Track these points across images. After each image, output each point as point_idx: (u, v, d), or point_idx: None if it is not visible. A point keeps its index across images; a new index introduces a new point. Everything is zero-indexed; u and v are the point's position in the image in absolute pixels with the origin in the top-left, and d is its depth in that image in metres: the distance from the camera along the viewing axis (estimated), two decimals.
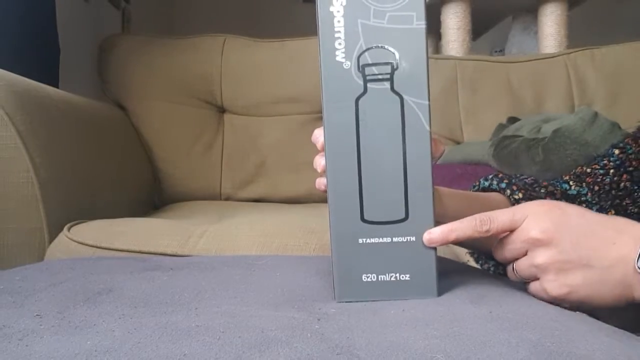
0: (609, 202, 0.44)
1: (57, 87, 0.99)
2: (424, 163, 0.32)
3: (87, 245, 0.66)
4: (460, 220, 0.33)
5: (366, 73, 0.32)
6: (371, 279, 0.33)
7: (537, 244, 0.32)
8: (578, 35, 1.56)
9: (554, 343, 0.26)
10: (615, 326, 0.31)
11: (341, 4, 0.32)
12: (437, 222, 0.33)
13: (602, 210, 0.44)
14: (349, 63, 0.32)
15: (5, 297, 0.33)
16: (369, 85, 0.32)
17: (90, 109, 0.95)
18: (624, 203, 0.43)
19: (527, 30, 1.66)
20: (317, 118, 1.25)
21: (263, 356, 0.24)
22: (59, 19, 1.03)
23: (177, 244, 0.66)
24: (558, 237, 0.32)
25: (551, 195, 0.44)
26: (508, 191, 0.43)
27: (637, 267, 0.30)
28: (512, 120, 1.13)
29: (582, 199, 0.45)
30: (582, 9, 1.70)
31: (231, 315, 0.30)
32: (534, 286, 0.34)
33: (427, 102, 0.32)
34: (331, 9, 0.32)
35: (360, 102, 0.32)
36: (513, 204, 0.41)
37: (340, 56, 0.32)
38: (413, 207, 0.32)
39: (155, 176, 1.18)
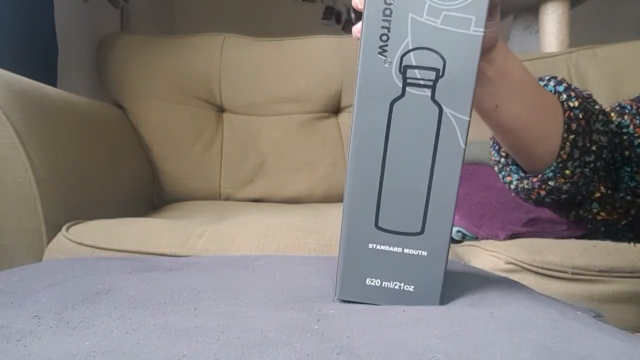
0: None
1: (55, 86, 0.98)
2: (451, 181, 0.30)
3: (85, 245, 0.65)
4: None
5: (407, 75, 0.29)
6: (375, 283, 0.32)
7: None
8: (580, 34, 1.56)
9: (555, 343, 0.25)
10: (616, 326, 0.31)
11: None
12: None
13: None
14: (390, 61, 0.29)
15: (3, 298, 0.32)
16: (408, 89, 0.29)
17: (89, 108, 0.95)
18: None
19: (529, 29, 1.66)
20: (317, 117, 1.24)
21: (263, 357, 0.24)
22: (57, 17, 1.02)
23: (176, 244, 0.66)
24: None
25: (603, 113, 0.42)
26: (564, 95, 0.40)
27: None
28: None
29: (624, 130, 0.42)
30: (583, 7, 1.70)
31: (230, 315, 0.30)
32: None
33: (467, 118, 0.29)
34: None
35: (395, 105, 0.30)
36: (566, 111, 0.39)
37: (382, 52, 0.29)
38: (431, 223, 0.31)
39: (154, 176, 1.18)
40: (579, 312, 0.33)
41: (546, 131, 0.39)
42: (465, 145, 0.30)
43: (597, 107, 0.42)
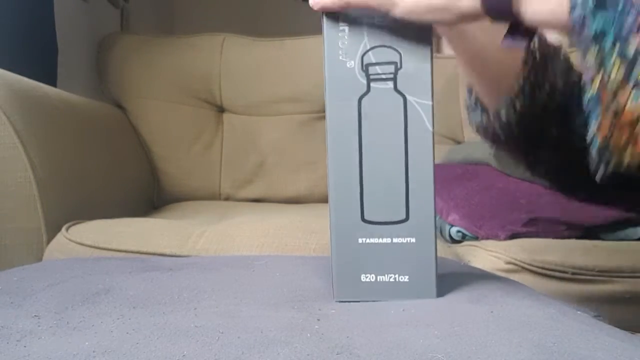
0: None
1: (55, 86, 0.98)
2: (425, 163, 0.32)
3: (85, 245, 0.65)
4: None
5: (370, 72, 0.32)
6: (370, 279, 0.33)
7: None
8: None
9: (556, 343, 0.25)
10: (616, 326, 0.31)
11: None
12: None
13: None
14: (352, 62, 0.32)
15: (3, 298, 0.33)
16: (372, 84, 0.32)
17: (89, 109, 0.95)
18: None
19: None
20: (317, 117, 1.24)
21: (263, 357, 0.24)
22: (57, 17, 1.02)
23: (176, 244, 0.66)
24: None
25: (567, 62, 0.43)
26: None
27: None
28: None
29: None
30: None
31: (230, 315, 0.30)
32: None
33: (430, 103, 0.32)
34: None
35: (363, 101, 0.32)
36: (527, 51, 0.40)
37: (343, 55, 0.32)
38: (414, 208, 0.32)
39: (154, 176, 1.18)
40: (579, 312, 0.33)
41: (507, 66, 0.40)
42: (433, 127, 0.32)
43: (562, 56, 0.43)
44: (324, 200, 1.22)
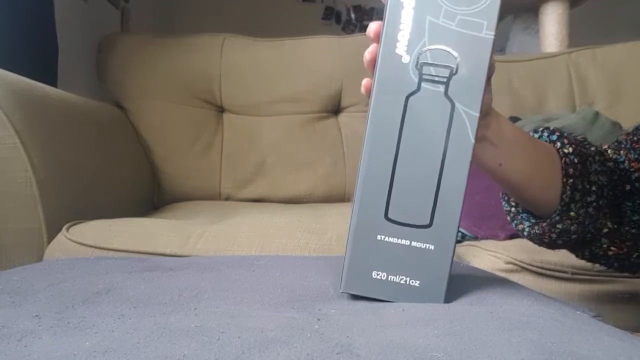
0: None
1: (56, 87, 0.99)
2: (460, 175, 0.31)
3: (86, 245, 0.66)
4: None
5: (423, 72, 0.31)
6: (381, 277, 0.32)
7: None
8: (579, 34, 1.56)
9: (555, 343, 0.25)
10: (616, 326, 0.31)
11: None
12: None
13: None
14: (408, 57, 0.31)
15: (3, 298, 0.33)
16: (423, 84, 0.31)
17: (89, 109, 0.95)
18: None
19: (528, 30, 1.66)
20: (318, 117, 1.24)
21: (263, 356, 0.24)
22: (58, 18, 1.03)
23: (176, 244, 0.66)
24: None
25: (599, 154, 0.44)
26: (558, 144, 0.43)
27: None
28: (513, 119, 1.12)
29: (620, 166, 0.44)
30: (583, 8, 1.70)
31: (230, 315, 0.30)
32: None
33: (477, 114, 0.31)
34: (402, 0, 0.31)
35: (410, 99, 0.31)
36: (562, 158, 0.41)
37: (401, 49, 0.31)
38: (439, 216, 0.31)
39: (155, 176, 1.18)
40: (578, 312, 0.33)
41: (548, 179, 0.41)
42: (475, 140, 0.31)
43: (592, 149, 0.44)
44: (324, 200, 1.22)
